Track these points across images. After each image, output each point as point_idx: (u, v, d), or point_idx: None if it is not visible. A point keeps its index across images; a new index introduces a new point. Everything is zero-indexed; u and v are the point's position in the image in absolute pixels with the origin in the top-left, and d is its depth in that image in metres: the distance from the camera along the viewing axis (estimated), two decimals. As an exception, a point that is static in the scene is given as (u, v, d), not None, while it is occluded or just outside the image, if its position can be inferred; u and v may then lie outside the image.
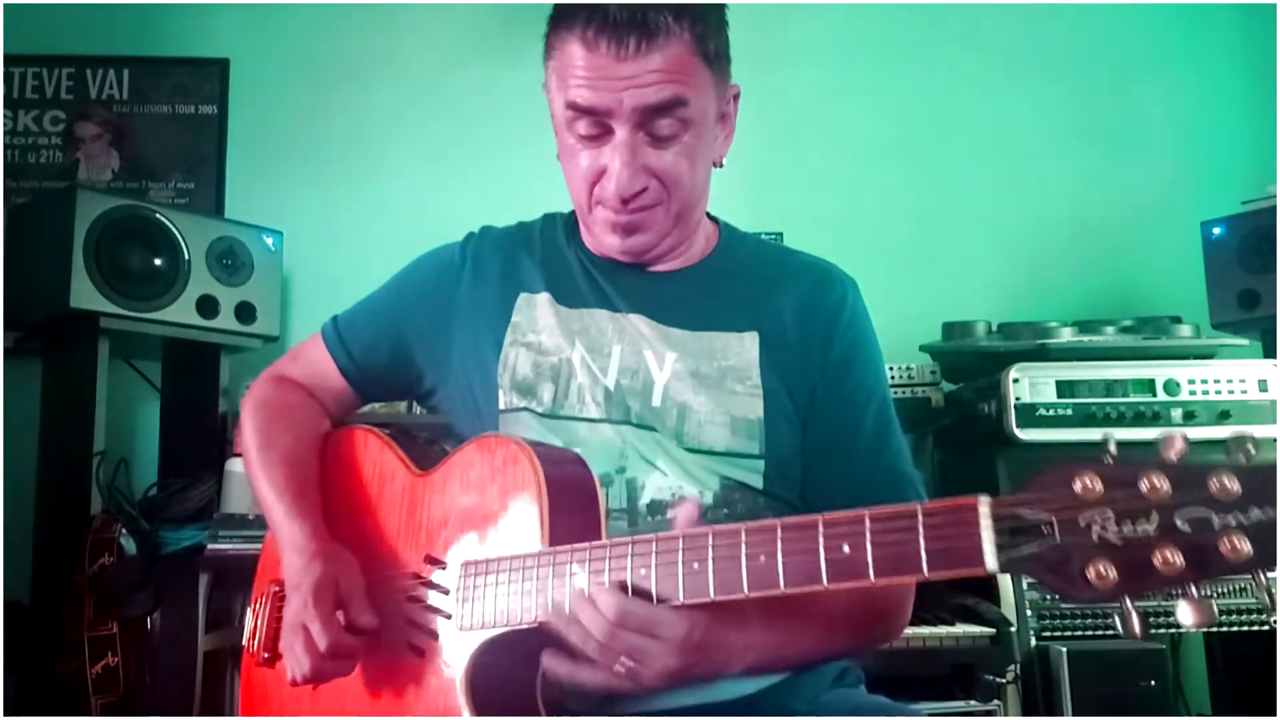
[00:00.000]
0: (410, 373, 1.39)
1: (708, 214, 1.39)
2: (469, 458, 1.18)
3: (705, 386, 1.23)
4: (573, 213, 1.37)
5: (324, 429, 1.41)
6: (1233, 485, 0.75)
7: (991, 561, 0.82)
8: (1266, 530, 0.74)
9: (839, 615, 1.13)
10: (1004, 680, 2.15)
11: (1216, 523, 0.76)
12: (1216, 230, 2.71)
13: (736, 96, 1.30)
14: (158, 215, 2.56)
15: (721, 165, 1.31)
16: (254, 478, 1.35)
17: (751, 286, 1.31)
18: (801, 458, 1.25)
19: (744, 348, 1.25)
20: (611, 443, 1.21)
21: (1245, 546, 0.74)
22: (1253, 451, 0.76)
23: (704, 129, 1.23)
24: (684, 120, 1.19)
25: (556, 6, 1.22)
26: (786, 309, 1.28)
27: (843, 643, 1.15)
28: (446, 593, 1.14)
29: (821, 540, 0.91)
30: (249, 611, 1.38)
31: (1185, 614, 0.78)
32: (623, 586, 0.98)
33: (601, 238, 1.27)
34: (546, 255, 1.36)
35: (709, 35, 1.20)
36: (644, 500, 1.19)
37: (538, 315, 1.30)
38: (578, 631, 0.99)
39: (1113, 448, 0.81)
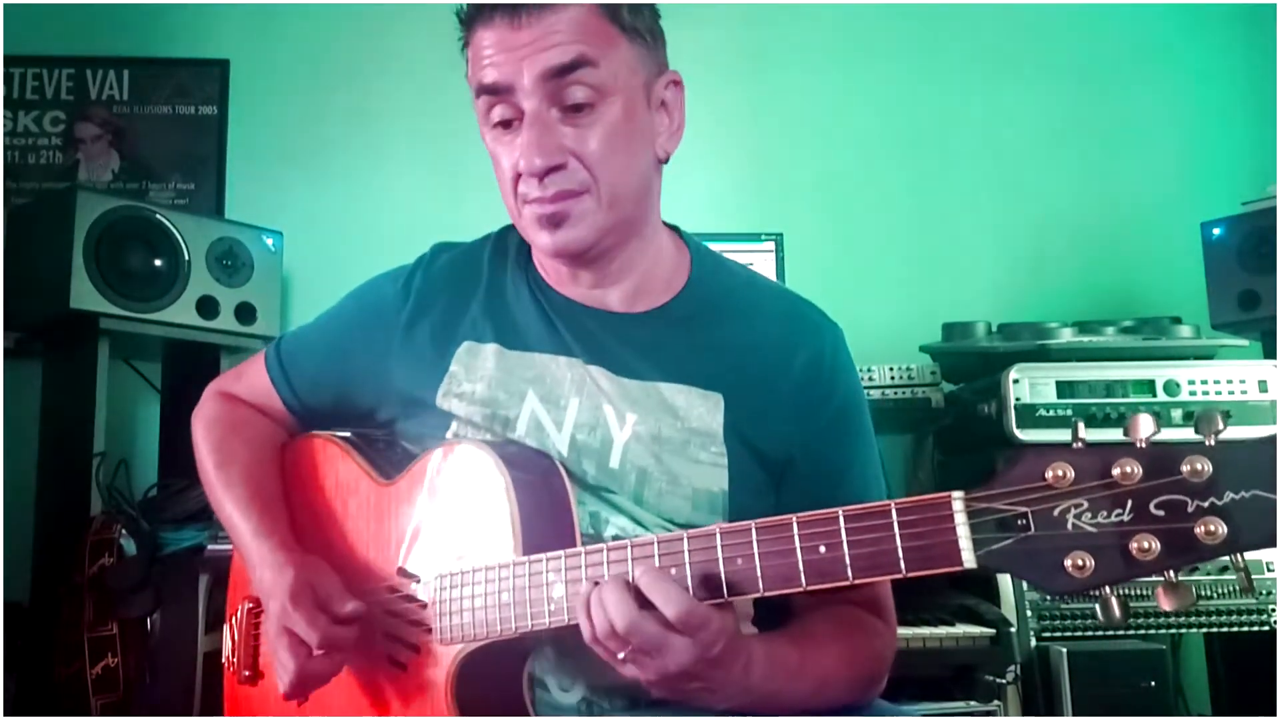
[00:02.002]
0: (359, 408, 1.33)
1: (679, 232, 1.30)
2: (434, 465, 1.16)
3: (667, 452, 1.15)
4: None
5: (280, 441, 1.37)
6: (1205, 468, 0.75)
7: (969, 558, 0.82)
8: (1241, 512, 0.74)
9: (831, 678, 1.08)
10: (1004, 681, 2.15)
11: (1191, 507, 0.75)
12: (1216, 231, 2.71)
13: (677, 84, 1.21)
14: (158, 216, 2.56)
15: (666, 160, 1.22)
16: (214, 496, 1.31)
17: (720, 335, 1.21)
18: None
19: (708, 409, 1.16)
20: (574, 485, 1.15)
21: (1220, 529, 0.74)
22: (1221, 429, 0.76)
23: (630, 106, 1.14)
24: (596, 87, 1.10)
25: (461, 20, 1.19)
26: (758, 366, 1.19)
27: (824, 701, 1.08)
28: (424, 606, 1.12)
29: (798, 541, 0.90)
30: (225, 628, 1.37)
31: (1164, 600, 0.78)
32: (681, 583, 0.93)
33: (535, 240, 1.17)
34: (494, 290, 1.27)
35: (621, 7, 1.14)
36: (608, 533, 1.14)
37: (478, 365, 1.22)
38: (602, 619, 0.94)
39: (1082, 433, 0.80)
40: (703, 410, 1.16)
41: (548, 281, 1.25)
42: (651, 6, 1.20)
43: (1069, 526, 0.78)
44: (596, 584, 0.95)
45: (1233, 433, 0.76)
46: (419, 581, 1.14)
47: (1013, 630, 2.17)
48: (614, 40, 1.13)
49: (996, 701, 2.14)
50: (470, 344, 1.23)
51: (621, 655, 0.94)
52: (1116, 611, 0.79)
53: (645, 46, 1.17)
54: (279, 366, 1.37)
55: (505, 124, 1.14)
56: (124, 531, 2.32)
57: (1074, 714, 2.13)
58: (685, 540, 0.95)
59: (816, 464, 1.19)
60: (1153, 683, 2.15)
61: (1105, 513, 0.78)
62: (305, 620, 1.10)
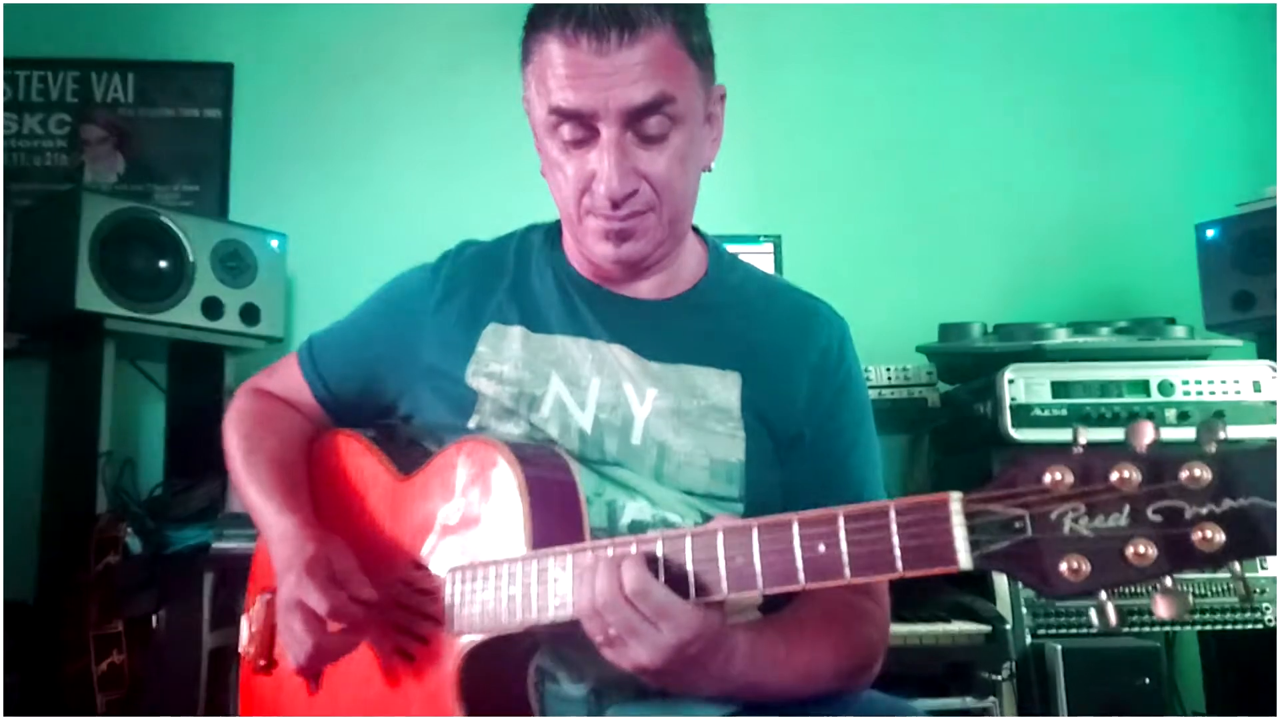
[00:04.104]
0: (384, 400, 1.37)
1: (698, 231, 1.35)
2: (450, 461, 1.18)
3: (686, 425, 1.19)
4: (555, 224, 1.34)
5: (309, 434, 1.40)
6: (1204, 474, 0.74)
7: (964, 559, 0.81)
8: (1240, 519, 0.73)
9: (818, 667, 1.10)
10: (999, 678, 2.16)
11: (1189, 513, 0.74)
12: (1211, 232, 2.71)
13: (723, 98, 1.25)
14: (162, 217, 2.58)
15: (710, 169, 1.26)
16: (240, 482, 1.34)
17: (738, 322, 1.27)
18: (781, 499, 1.20)
19: (726, 386, 1.22)
20: (588, 473, 1.18)
21: (1218, 537, 0.73)
22: (1222, 438, 0.75)
23: (693, 129, 1.18)
24: (672, 117, 1.14)
25: (533, 8, 1.17)
26: (773, 350, 1.25)
27: (809, 691, 1.10)
28: (435, 599, 1.14)
29: (797, 540, 0.91)
30: (243, 618, 1.38)
31: (1160, 607, 0.77)
32: (650, 561, 0.96)
33: (593, 248, 1.21)
34: (520, 278, 1.31)
35: (692, 28, 1.16)
36: (624, 520, 1.17)
37: (505, 346, 1.26)
38: (586, 595, 0.97)
39: (1082, 439, 0.79)
40: (720, 387, 1.22)
41: (580, 272, 1.30)
42: (701, 6, 1.21)
43: (1066, 530, 0.78)
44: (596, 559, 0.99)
45: (1227, 433, 0.76)
46: (431, 575, 1.16)
47: (1008, 627, 2.17)
48: (687, 69, 1.15)
49: (992, 698, 2.15)
50: (496, 326, 1.28)
51: (599, 638, 0.97)
52: (1112, 619, 0.79)
53: (706, 67, 1.20)
54: (310, 360, 1.41)
55: (576, 142, 1.16)
56: (129, 530, 2.33)
57: (1069, 711, 2.14)
58: (688, 539, 0.96)
59: (823, 441, 1.24)
60: (1147, 680, 2.15)
61: (1103, 517, 0.77)
62: (318, 591, 1.11)
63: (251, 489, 1.31)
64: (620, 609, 0.94)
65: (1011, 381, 2.32)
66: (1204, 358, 2.43)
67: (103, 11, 3.12)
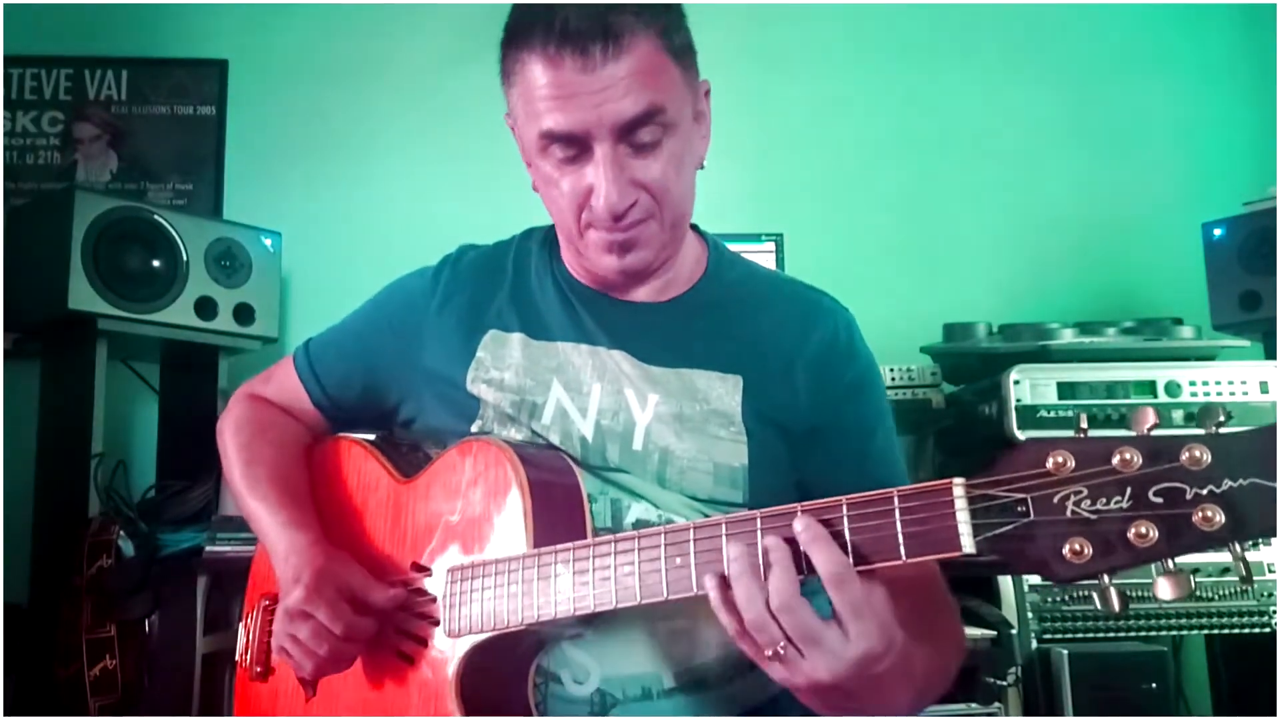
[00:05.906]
0: (384, 405, 1.35)
1: (697, 229, 1.34)
2: (451, 463, 1.18)
3: (688, 430, 1.18)
4: (552, 228, 1.32)
5: (307, 441, 1.39)
6: (1204, 456, 0.75)
7: (968, 543, 0.82)
8: (1239, 500, 0.75)
9: (936, 672, 1.02)
10: (1005, 682, 2.15)
11: (1189, 494, 0.76)
12: (1217, 232, 2.70)
13: (708, 93, 1.23)
14: (156, 216, 2.56)
15: (703, 166, 1.24)
16: (240, 494, 1.33)
17: (738, 321, 1.26)
18: (795, 496, 1.11)
19: (727, 390, 1.20)
20: (590, 476, 1.17)
21: (1219, 517, 0.74)
22: (1222, 421, 0.76)
23: (684, 131, 1.16)
24: (664, 125, 1.12)
25: (508, 27, 1.14)
26: (774, 348, 1.23)
27: (932, 697, 1.02)
28: (434, 599, 1.13)
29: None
30: (240, 626, 1.38)
31: (1162, 588, 0.77)
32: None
33: (597, 261, 1.19)
34: (519, 284, 1.31)
35: (673, 29, 1.14)
36: (628, 520, 1.16)
37: (505, 353, 1.25)
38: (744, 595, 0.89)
39: (1084, 423, 0.81)
40: (722, 391, 1.20)
41: (578, 278, 1.29)
42: (684, 15, 1.19)
43: (1068, 513, 0.79)
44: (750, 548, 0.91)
45: (1227, 415, 0.77)
46: (431, 575, 1.16)
47: (1013, 632, 2.17)
48: (672, 73, 1.13)
49: (997, 704, 2.15)
50: (496, 332, 1.27)
51: (767, 653, 0.88)
52: (1115, 602, 0.79)
53: (690, 67, 1.18)
54: (308, 365, 1.39)
55: (568, 160, 1.14)
56: (122, 533, 2.33)
57: (1075, 715, 2.13)
58: (691, 531, 0.95)
59: (841, 429, 1.22)
60: (1154, 684, 2.15)
61: (1105, 500, 0.78)
62: (328, 607, 1.12)
63: (253, 502, 1.30)
64: (802, 613, 0.86)
65: (1017, 382, 2.31)
66: (1211, 358, 2.43)
67: (96, 8, 3.11)
